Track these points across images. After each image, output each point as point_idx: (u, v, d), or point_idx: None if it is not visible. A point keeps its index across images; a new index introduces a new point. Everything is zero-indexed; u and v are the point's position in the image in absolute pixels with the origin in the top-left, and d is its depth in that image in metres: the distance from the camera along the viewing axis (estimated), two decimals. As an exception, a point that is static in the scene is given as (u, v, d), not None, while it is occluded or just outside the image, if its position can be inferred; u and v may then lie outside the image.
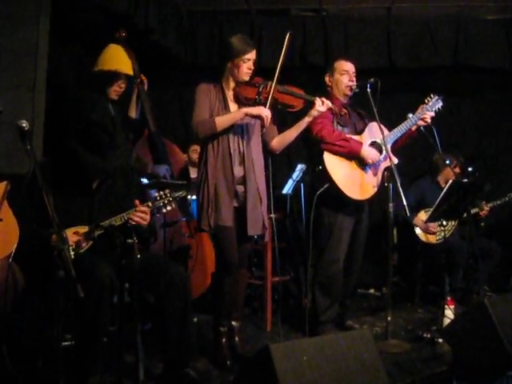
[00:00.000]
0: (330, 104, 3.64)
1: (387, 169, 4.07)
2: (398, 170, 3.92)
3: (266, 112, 3.44)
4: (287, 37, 3.54)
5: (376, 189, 4.16)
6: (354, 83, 4.22)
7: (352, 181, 4.07)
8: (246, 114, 3.48)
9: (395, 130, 4.18)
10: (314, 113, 3.60)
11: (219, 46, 5.64)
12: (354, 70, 4.28)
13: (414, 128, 4.22)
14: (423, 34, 5.85)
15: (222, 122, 3.46)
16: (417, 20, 5.87)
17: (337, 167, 4.05)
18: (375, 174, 4.17)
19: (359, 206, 4.22)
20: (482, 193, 4.76)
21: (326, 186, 4.01)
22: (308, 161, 4.51)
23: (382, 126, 4.08)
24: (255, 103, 3.52)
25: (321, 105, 3.58)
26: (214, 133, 3.47)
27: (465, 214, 4.69)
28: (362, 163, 4.12)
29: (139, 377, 3.16)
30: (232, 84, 3.61)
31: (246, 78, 3.57)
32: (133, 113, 4.11)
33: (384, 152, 4.12)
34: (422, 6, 5.78)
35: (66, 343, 3.17)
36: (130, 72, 3.86)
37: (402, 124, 4.19)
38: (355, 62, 4.34)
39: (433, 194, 4.38)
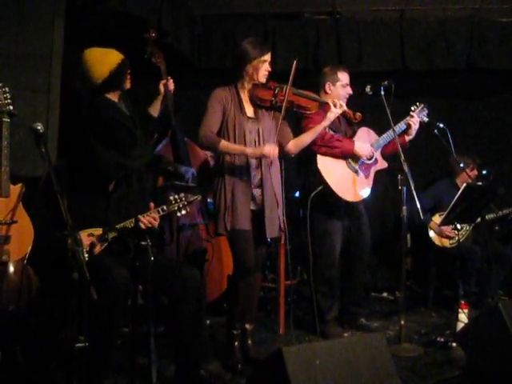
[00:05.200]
0: (344, 107, 3.69)
1: (401, 172, 4.05)
2: (410, 174, 3.91)
3: (267, 150, 3.43)
4: (294, 63, 3.54)
5: (368, 191, 4.23)
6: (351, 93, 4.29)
7: (345, 182, 4.13)
8: (247, 155, 3.50)
9: (383, 136, 4.26)
10: (330, 115, 3.66)
11: (235, 50, 5.63)
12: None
13: (407, 138, 4.26)
14: (437, 36, 5.82)
15: (225, 147, 3.50)
16: (430, 22, 5.84)
17: (330, 169, 4.10)
18: (367, 177, 4.25)
19: (351, 208, 4.26)
20: (497, 196, 4.71)
21: (319, 188, 4.06)
22: (298, 163, 4.45)
23: (372, 131, 4.22)
24: (271, 105, 3.57)
25: (336, 107, 3.63)
26: (213, 150, 3.62)
27: (479, 218, 4.67)
28: (356, 162, 4.18)
29: (152, 379, 3.18)
30: (248, 86, 3.63)
31: (264, 80, 3.60)
32: (155, 111, 4.08)
33: (375, 156, 4.22)
34: (436, 8, 5.75)
35: (80, 345, 3.18)
36: (121, 56, 3.80)
37: (389, 131, 4.21)
38: (369, 64, 4.35)
39: (451, 197, 4.34)
